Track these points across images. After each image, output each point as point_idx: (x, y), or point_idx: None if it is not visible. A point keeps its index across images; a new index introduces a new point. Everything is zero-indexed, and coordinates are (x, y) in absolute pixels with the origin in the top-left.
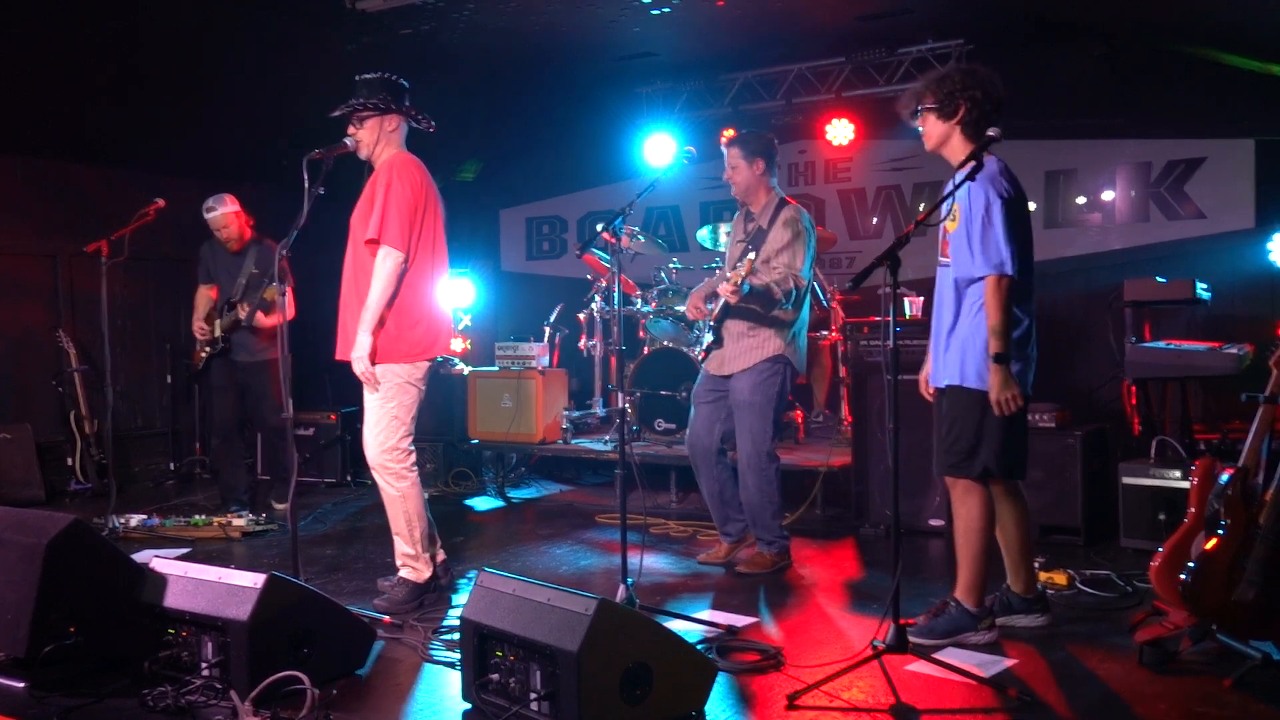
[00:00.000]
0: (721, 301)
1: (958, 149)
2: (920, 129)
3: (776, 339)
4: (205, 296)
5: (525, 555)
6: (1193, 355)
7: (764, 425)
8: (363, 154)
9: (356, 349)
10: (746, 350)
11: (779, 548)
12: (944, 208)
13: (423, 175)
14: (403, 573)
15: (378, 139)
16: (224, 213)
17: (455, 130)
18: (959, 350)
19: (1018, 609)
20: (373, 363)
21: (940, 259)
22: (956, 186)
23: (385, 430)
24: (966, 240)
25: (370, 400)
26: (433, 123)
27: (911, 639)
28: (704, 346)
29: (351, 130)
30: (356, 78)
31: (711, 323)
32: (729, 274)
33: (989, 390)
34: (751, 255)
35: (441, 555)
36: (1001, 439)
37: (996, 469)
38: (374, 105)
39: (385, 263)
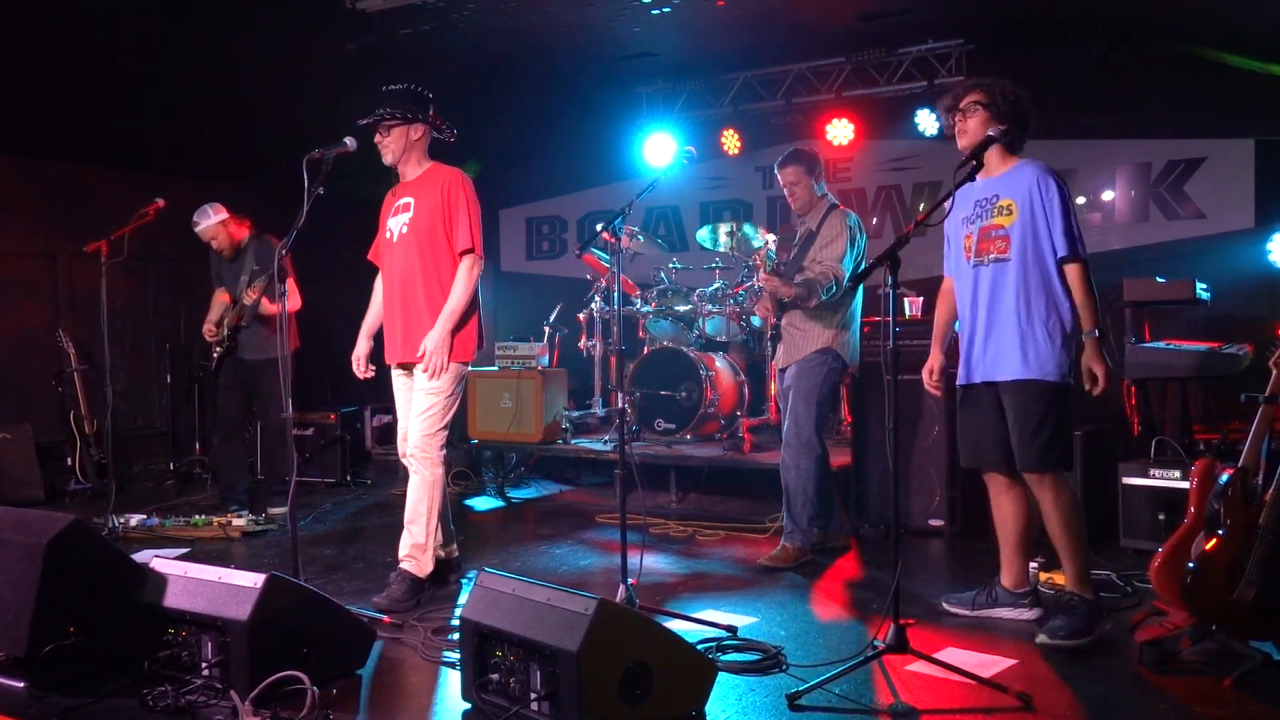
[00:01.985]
0: (778, 300)
1: (996, 157)
2: (952, 123)
3: (825, 332)
4: (218, 301)
5: (525, 555)
6: (1192, 355)
7: (806, 409)
8: (388, 161)
9: (435, 343)
10: (798, 344)
11: (803, 540)
12: (980, 209)
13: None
14: (405, 564)
15: (404, 148)
16: (206, 225)
17: (456, 130)
18: (1018, 343)
19: (1004, 603)
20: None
21: (984, 257)
22: (957, 186)
23: (432, 418)
24: (1035, 229)
25: (420, 391)
26: (454, 132)
27: (1054, 643)
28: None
29: (378, 139)
30: (385, 88)
31: (774, 320)
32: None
33: (1093, 364)
34: (766, 253)
35: (456, 553)
36: (1066, 431)
37: (1064, 460)
38: (401, 115)
39: (473, 270)
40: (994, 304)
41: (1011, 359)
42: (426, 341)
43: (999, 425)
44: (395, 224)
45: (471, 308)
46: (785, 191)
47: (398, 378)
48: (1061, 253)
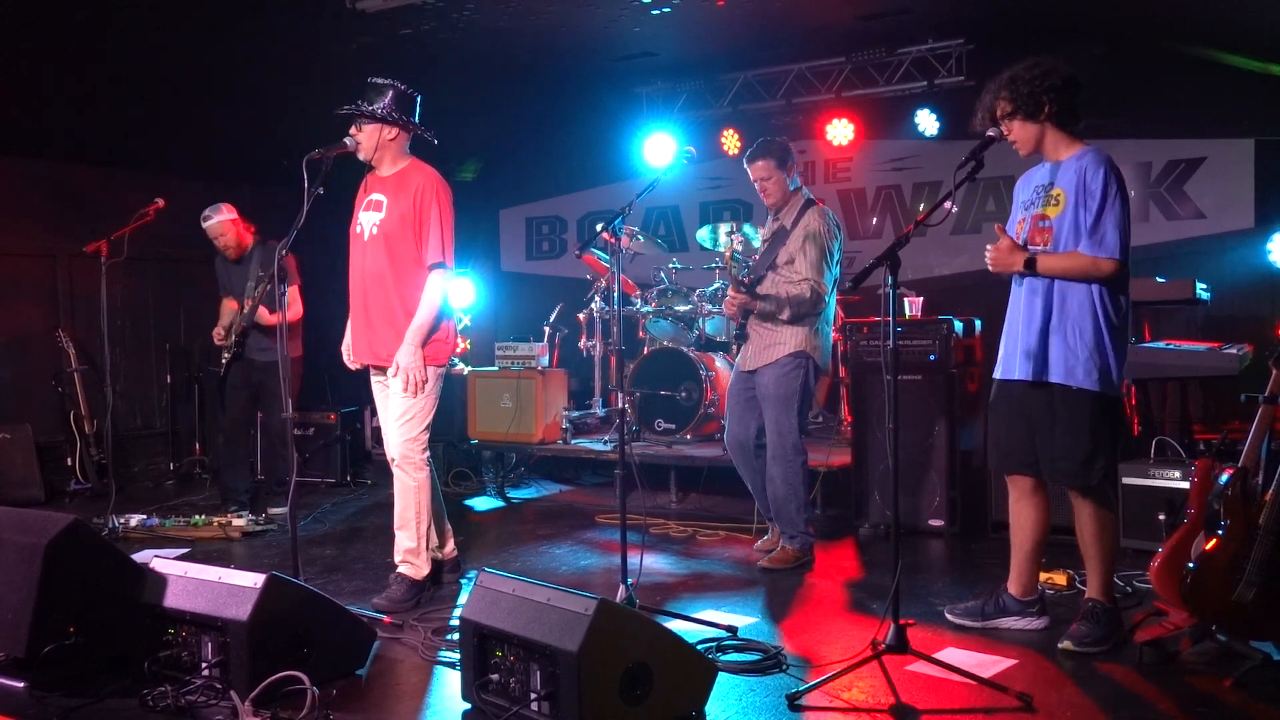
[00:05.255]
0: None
1: (1054, 143)
2: (1006, 138)
3: (799, 335)
4: (227, 308)
5: (525, 555)
6: (1193, 355)
7: (788, 418)
8: (361, 156)
9: (407, 359)
10: (770, 346)
11: (802, 543)
12: (1037, 194)
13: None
14: (402, 569)
15: (376, 145)
16: (218, 221)
17: (455, 130)
18: (1061, 346)
19: (1013, 611)
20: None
21: (1030, 247)
22: (958, 186)
23: (411, 423)
24: (1078, 224)
25: (396, 397)
26: (435, 139)
27: (1081, 650)
28: (734, 342)
29: (352, 131)
30: (368, 80)
31: (739, 319)
32: (742, 276)
33: (1006, 246)
34: (731, 255)
35: (454, 552)
36: (1113, 440)
37: (1107, 472)
38: (373, 113)
39: (441, 283)
40: (1033, 299)
41: (1048, 361)
42: (399, 359)
43: (1029, 427)
44: (366, 221)
45: (442, 315)
46: (756, 187)
47: (374, 379)
48: (1091, 249)
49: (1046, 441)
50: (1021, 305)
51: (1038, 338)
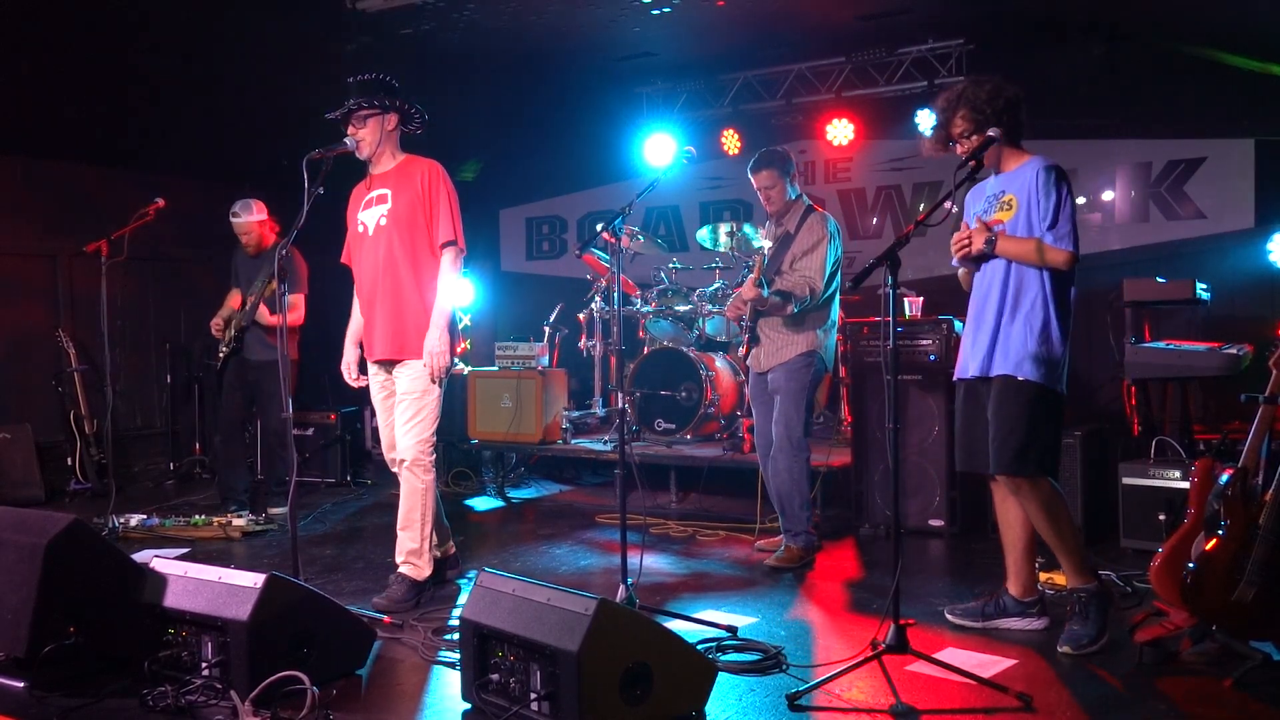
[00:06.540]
0: (752, 304)
1: (1004, 156)
2: (961, 150)
3: (809, 334)
4: (230, 301)
5: (525, 555)
6: (1192, 355)
7: (796, 410)
8: (364, 154)
9: (437, 345)
10: (781, 346)
11: (805, 541)
12: (989, 203)
13: None
14: (403, 569)
15: (379, 139)
16: (246, 220)
17: (455, 130)
18: (1008, 339)
19: (1013, 612)
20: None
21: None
22: (957, 186)
23: (421, 424)
24: (1030, 225)
25: (408, 396)
26: (425, 115)
27: (1080, 653)
28: (743, 345)
29: (352, 131)
30: (350, 79)
31: (747, 323)
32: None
33: (979, 232)
34: (763, 258)
35: (454, 549)
36: (1049, 434)
37: (1045, 466)
38: (375, 105)
39: (457, 263)
40: (986, 299)
41: (991, 353)
42: (428, 345)
43: (985, 427)
44: (369, 216)
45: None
46: (760, 195)
47: (375, 378)
48: (1049, 240)
49: (989, 431)
50: (977, 304)
51: (990, 333)
